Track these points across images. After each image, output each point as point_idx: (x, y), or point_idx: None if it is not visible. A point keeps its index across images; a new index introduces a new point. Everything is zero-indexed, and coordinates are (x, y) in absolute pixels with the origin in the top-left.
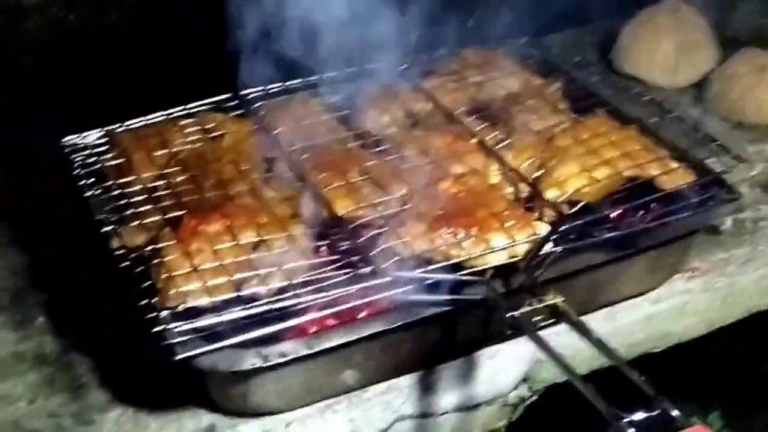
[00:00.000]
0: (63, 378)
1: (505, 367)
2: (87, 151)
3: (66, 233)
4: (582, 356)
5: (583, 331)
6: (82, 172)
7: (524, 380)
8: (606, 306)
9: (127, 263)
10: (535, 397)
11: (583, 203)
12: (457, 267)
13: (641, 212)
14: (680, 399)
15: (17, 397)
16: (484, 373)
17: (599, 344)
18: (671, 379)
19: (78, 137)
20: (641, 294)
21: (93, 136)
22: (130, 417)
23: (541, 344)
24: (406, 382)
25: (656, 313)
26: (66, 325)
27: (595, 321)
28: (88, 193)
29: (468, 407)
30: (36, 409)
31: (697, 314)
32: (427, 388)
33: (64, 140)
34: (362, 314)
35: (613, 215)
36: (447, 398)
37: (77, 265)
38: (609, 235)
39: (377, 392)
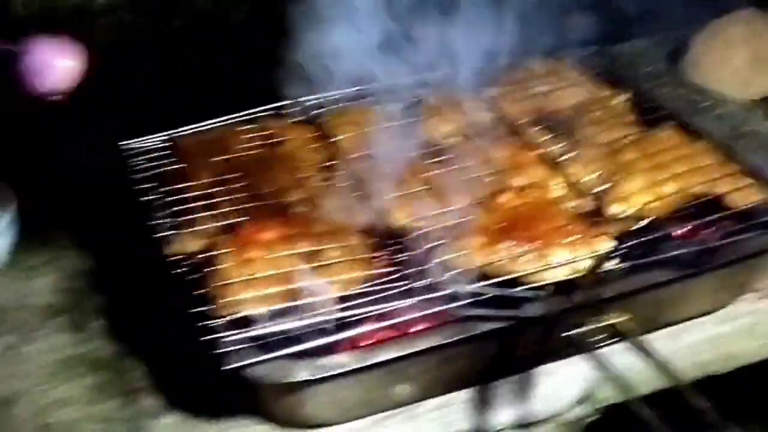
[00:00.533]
0: (118, 382)
1: (563, 385)
2: (146, 156)
3: (126, 238)
4: (644, 376)
5: (646, 352)
6: (141, 176)
7: (583, 399)
8: (671, 325)
9: (181, 269)
10: (595, 417)
11: (648, 219)
12: (516, 282)
13: (710, 230)
14: (748, 423)
15: (73, 400)
16: (542, 391)
17: (662, 366)
18: (739, 403)
19: (138, 141)
20: (708, 313)
21: (153, 140)
22: (181, 424)
23: (601, 364)
24: (461, 397)
25: (723, 333)
26: (123, 330)
27: (659, 340)
28: (146, 198)
29: (525, 425)
30: (90, 413)
31: (766, 336)
32: (482, 404)
33: (123, 144)
34: (418, 328)
35: (680, 232)
36: (503, 415)
37: (135, 269)
38: (675, 252)
39: (432, 407)
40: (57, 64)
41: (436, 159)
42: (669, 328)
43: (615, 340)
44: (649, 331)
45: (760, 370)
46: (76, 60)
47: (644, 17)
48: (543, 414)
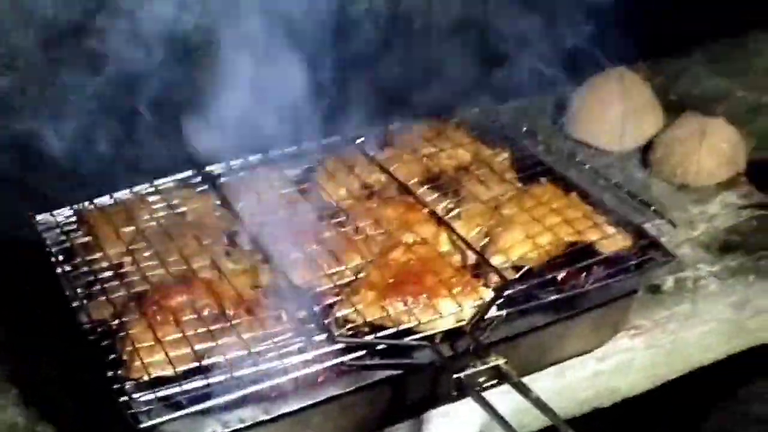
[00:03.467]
0: None
1: (458, 425)
2: (58, 229)
3: (42, 308)
4: (529, 416)
5: (523, 391)
6: (54, 249)
7: None
8: (554, 364)
9: (93, 337)
10: None
11: (526, 268)
12: (408, 332)
13: (583, 275)
14: None
15: None
16: None
17: (539, 403)
18: None
19: (50, 215)
20: (587, 352)
21: (63, 213)
22: None
23: (484, 404)
24: None
25: (603, 370)
26: (37, 396)
27: (544, 379)
28: (59, 270)
29: None
30: None
31: (643, 370)
32: None
33: (37, 218)
34: (318, 380)
35: (556, 278)
36: None
37: (52, 338)
38: (551, 297)
39: None
40: None
41: (333, 220)
42: (553, 368)
43: (499, 382)
44: (533, 371)
45: (639, 403)
46: None
47: (530, 76)
48: None
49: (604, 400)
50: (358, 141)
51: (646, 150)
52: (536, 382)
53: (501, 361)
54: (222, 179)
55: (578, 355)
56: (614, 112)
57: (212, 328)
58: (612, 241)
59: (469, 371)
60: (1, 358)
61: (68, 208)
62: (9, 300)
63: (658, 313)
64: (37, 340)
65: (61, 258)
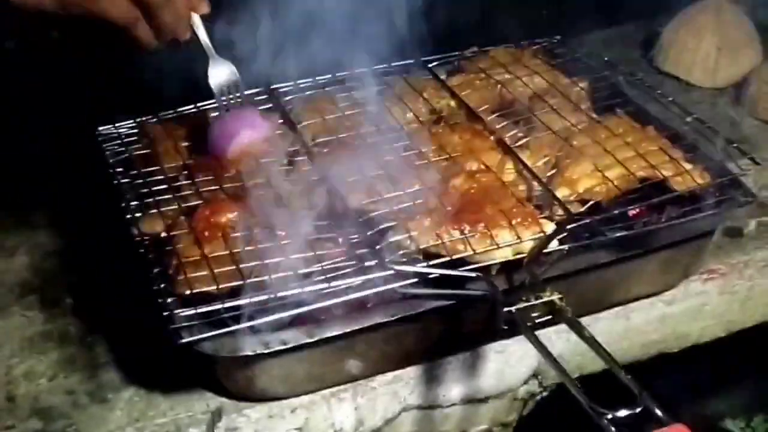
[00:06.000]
0: (83, 357)
1: (513, 362)
2: (118, 141)
3: (98, 219)
4: (589, 358)
5: (578, 329)
6: (113, 160)
7: (534, 376)
8: (617, 305)
9: (144, 249)
10: (545, 393)
11: (592, 202)
12: (463, 262)
13: (654, 213)
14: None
15: (39, 374)
16: (492, 367)
17: (593, 343)
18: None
19: (112, 127)
20: (654, 295)
21: (125, 126)
22: (142, 397)
23: (535, 341)
24: (413, 373)
25: (671, 313)
26: (91, 307)
27: (607, 319)
28: (116, 181)
29: (476, 400)
30: (55, 386)
31: (715, 317)
32: (433, 379)
33: (99, 129)
34: (366, 306)
35: (625, 214)
36: (454, 390)
37: (106, 249)
38: (617, 234)
39: (383, 382)
40: (245, 133)
41: (396, 144)
42: (616, 309)
43: (552, 318)
44: (593, 311)
45: (709, 350)
46: (262, 131)
47: (615, 6)
48: (494, 390)
49: (671, 344)
50: (431, 65)
51: (741, 87)
52: (598, 322)
53: (555, 296)
54: (287, 98)
55: (644, 298)
56: (708, 45)
57: (260, 246)
58: (688, 177)
59: (521, 305)
60: (58, 267)
61: (131, 120)
62: (74, 212)
63: (735, 258)
64: (96, 253)
65: (119, 170)
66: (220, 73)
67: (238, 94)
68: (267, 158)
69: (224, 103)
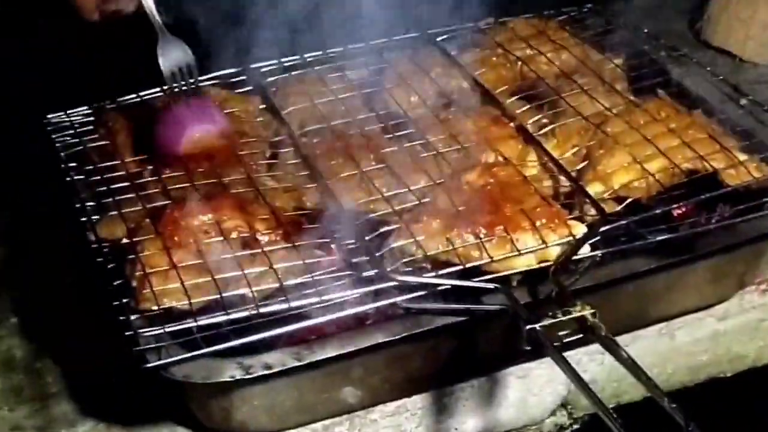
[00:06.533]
0: (30, 386)
1: (538, 390)
2: (71, 131)
3: (48, 222)
4: (629, 383)
5: (613, 350)
6: (65, 154)
7: (563, 405)
8: (660, 321)
9: (102, 258)
10: (576, 426)
11: (630, 200)
12: (478, 271)
13: (702, 212)
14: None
15: None
16: (513, 396)
17: (632, 366)
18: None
19: (64, 114)
20: (704, 309)
21: (78, 114)
22: None
23: (564, 364)
24: (419, 402)
25: (724, 331)
26: (39, 328)
27: (648, 338)
28: (69, 178)
29: None
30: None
31: None
32: (443, 410)
33: (48, 117)
34: (364, 323)
35: (669, 214)
36: (468, 423)
37: (57, 259)
38: (660, 238)
39: (385, 413)
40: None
41: (399, 133)
42: (659, 326)
43: (583, 337)
44: (632, 329)
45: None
46: (213, 125)
47: None
48: (516, 422)
49: (723, 367)
50: (439, 39)
51: None
52: (637, 341)
53: (587, 312)
54: (269, 79)
55: (692, 312)
56: (764, 16)
57: (240, 254)
58: (743, 170)
59: (546, 322)
60: (1, 280)
61: (86, 107)
62: (19, 213)
63: None
64: (43, 262)
65: (72, 165)
66: (171, 54)
67: (191, 80)
68: (246, 150)
69: (176, 89)
